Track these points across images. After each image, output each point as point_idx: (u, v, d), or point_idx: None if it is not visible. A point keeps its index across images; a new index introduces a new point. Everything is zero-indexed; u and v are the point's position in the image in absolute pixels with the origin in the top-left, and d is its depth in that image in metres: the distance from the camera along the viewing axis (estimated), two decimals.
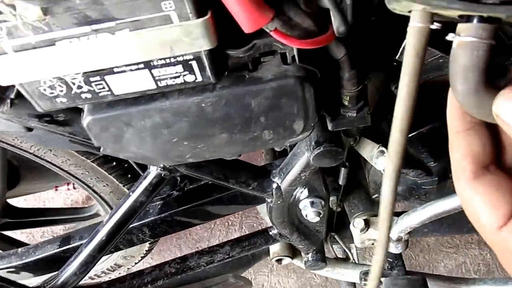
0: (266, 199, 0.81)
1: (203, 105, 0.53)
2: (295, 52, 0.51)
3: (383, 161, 0.69)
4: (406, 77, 0.36)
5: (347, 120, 0.62)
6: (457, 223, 1.03)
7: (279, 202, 0.79)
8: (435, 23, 0.35)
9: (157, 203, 0.90)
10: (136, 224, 0.89)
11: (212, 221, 1.81)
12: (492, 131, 0.36)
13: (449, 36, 0.33)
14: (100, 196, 1.07)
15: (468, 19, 0.31)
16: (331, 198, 0.92)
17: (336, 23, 0.45)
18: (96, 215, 1.33)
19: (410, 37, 0.34)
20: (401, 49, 0.69)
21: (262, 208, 1.07)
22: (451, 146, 0.37)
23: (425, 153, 0.71)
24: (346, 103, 0.61)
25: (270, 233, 0.96)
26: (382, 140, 0.75)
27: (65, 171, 0.99)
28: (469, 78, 0.31)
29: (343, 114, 0.62)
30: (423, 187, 0.75)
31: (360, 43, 0.62)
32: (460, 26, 0.31)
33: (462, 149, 0.36)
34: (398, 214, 0.77)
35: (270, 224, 0.94)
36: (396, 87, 0.73)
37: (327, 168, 0.84)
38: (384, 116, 0.76)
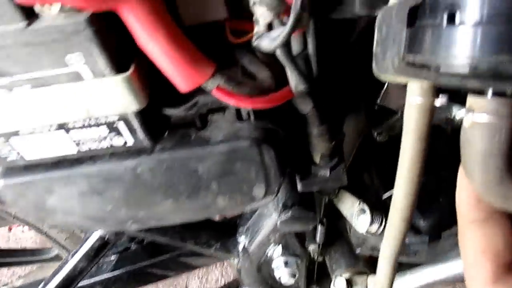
0: (232, 259, 0.71)
1: (139, 170, 0.43)
2: (250, 108, 0.42)
3: (364, 222, 0.60)
4: (406, 162, 0.31)
5: (319, 179, 0.53)
6: None
7: (247, 265, 0.69)
8: (440, 95, 0.28)
9: (112, 258, 0.79)
10: (85, 283, 0.78)
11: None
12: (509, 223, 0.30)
13: (460, 112, 0.31)
14: (56, 241, 0.97)
15: (484, 92, 0.24)
16: (311, 247, 0.82)
17: (293, 80, 0.36)
18: (58, 257, 1.22)
19: (408, 115, 0.29)
20: (382, 92, 0.60)
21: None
22: (462, 239, 0.30)
23: None
24: (317, 161, 0.52)
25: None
26: (364, 193, 0.66)
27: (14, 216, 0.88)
28: (491, 166, 0.26)
29: (314, 173, 0.53)
30: (412, 245, 0.66)
31: (335, 87, 0.54)
32: (473, 101, 0.25)
33: (478, 243, 0.29)
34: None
35: None
36: (379, 133, 0.64)
37: None
38: (366, 166, 0.67)
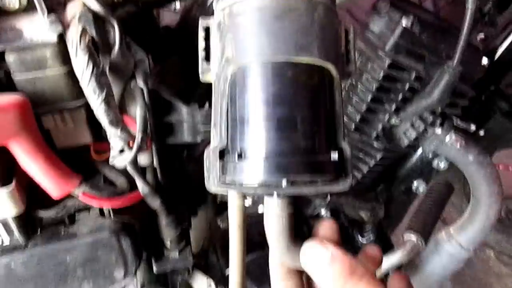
0: None
1: (12, 265, 0.52)
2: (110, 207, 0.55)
3: None
4: (235, 245, 0.42)
5: (170, 261, 0.66)
6: None
7: None
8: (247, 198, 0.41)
9: None
10: None
11: None
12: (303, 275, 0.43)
13: (261, 210, 0.39)
14: None
15: (271, 194, 0.37)
16: None
17: (140, 186, 0.51)
18: None
19: (231, 213, 0.40)
20: None
21: None
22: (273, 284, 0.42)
23: (248, 281, 0.78)
24: (168, 245, 0.65)
25: None
26: (213, 271, 0.80)
27: None
28: (281, 240, 0.38)
29: (166, 256, 0.66)
30: None
31: (182, 189, 0.70)
32: (267, 201, 0.38)
33: None
34: None
35: None
36: (222, 221, 0.81)
37: None
38: (213, 248, 0.82)
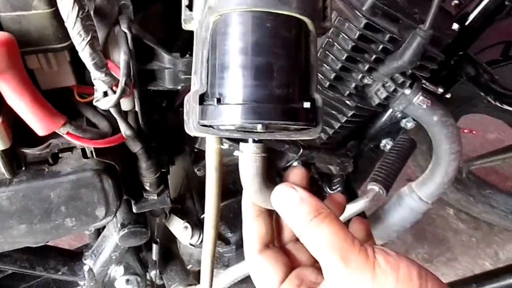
0: (79, 282, 0.81)
1: None
2: (92, 148, 0.58)
3: (187, 236, 0.78)
4: (211, 187, 0.45)
5: (149, 202, 0.70)
6: None
7: (92, 284, 0.80)
8: (224, 143, 0.44)
9: None
10: None
11: None
12: (272, 216, 0.47)
13: (236, 152, 0.42)
14: None
15: (247, 140, 0.41)
16: (152, 272, 0.96)
17: (123, 128, 0.54)
18: None
19: (208, 156, 0.43)
20: (200, 139, 0.81)
21: None
22: (245, 228, 0.46)
23: (223, 226, 0.83)
24: (147, 188, 0.69)
25: None
26: (188, 215, 0.84)
27: None
28: (255, 181, 0.42)
29: (145, 198, 0.70)
30: (225, 255, 0.86)
31: (162, 135, 0.72)
32: (242, 145, 0.42)
33: (252, 231, 0.45)
34: None
35: None
36: (198, 169, 0.84)
37: (145, 245, 0.90)
38: (190, 194, 0.86)
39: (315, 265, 0.45)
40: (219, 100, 0.36)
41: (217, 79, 0.37)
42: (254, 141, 0.41)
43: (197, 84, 0.38)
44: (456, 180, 1.54)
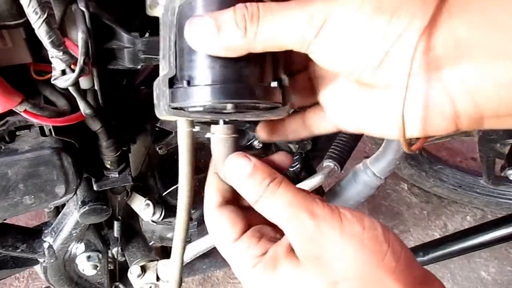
0: (39, 259, 0.81)
1: None
2: (51, 126, 0.58)
3: (149, 213, 0.80)
4: (184, 168, 0.45)
5: (110, 180, 0.70)
6: None
7: (52, 260, 0.80)
8: (195, 126, 0.45)
9: None
10: None
11: None
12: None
13: (208, 134, 0.43)
14: None
15: (217, 122, 0.42)
16: (114, 249, 0.97)
17: (82, 107, 0.54)
18: None
19: (180, 139, 0.44)
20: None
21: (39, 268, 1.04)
22: (207, 183, 0.46)
23: None
24: (108, 166, 0.69)
25: None
26: (150, 193, 0.85)
27: None
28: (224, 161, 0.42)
29: (106, 176, 0.70)
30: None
31: (122, 114, 0.72)
32: (213, 127, 0.42)
33: (214, 185, 0.45)
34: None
35: None
36: (160, 148, 0.85)
37: (107, 222, 0.90)
38: (151, 172, 0.87)
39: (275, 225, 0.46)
40: (188, 83, 0.37)
41: (185, 62, 0.38)
42: (224, 122, 0.42)
43: (165, 68, 0.39)
44: (409, 157, 1.62)
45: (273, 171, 0.40)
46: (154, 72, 0.78)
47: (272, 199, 0.38)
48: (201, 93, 0.37)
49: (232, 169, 0.41)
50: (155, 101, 0.41)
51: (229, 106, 0.37)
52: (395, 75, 0.35)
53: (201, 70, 0.37)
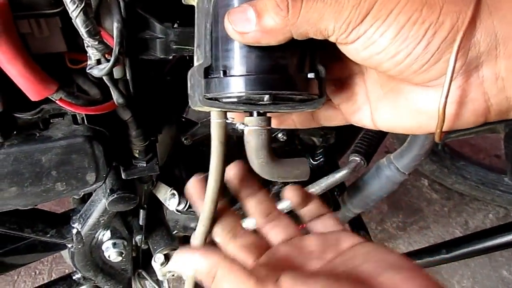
0: (67, 244, 0.83)
1: None
2: (83, 115, 0.59)
3: (174, 203, 0.81)
4: (215, 159, 0.43)
5: (138, 169, 0.71)
6: None
7: (80, 246, 0.82)
8: (229, 117, 0.43)
9: None
10: None
11: (16, 272, 1.65)
12: None
13: (241, 126, 0.42)
14: None
15: (251, 113, 0.41)
16: (138, 237, 0.99)
17: (115, 96, 0.54)
18: None
19: (213, 130, 0.42)
20: (187, 108, 0.82)
21: (66, 254, 1.06)
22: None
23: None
24: (136, 155, 0.70)
25: (74, 277, 0.97)
26: (175, 183, 0.86)
27: None
28: (260, 155, 0.42)
29: (134, 165, 0.71)
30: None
31: (151, 104, 0.73)
32: (247, 119, 0.42)
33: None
34: None
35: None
36: (185, 139, 0.86)
37: (132, 210, 0.92)
38: (176, 162, 0.88)
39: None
40: (224, 73, 0.37)
41: (221, 52, 0.37)
42: (258, 114, 0.41)
43: (201, 58, 0.39)
44: (431, 152, 1.60)
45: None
46: (179, 62, 0.79)
47: None
48: (238, 83, 0.36)
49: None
50: (189, 91, 0.41)
51: (266, 97, 0.36)
52: (436, 72, 0.35)
53: (238, 60, 0.37)
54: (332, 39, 0.35)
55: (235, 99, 0.38)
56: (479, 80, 0.35)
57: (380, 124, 0.43)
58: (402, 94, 0.39)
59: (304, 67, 0.38)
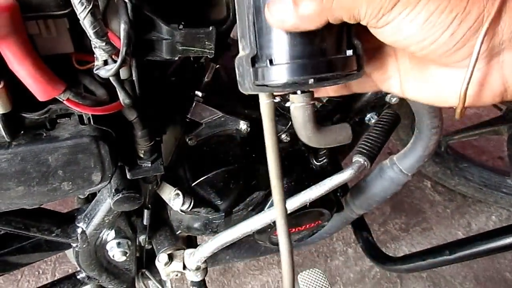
0: (72, 244, 0.84)
1: None
2: (90, 115, 0.59)
3: (178, 202, 0.81)
4: (269, 135, 0.47)
5: (143, 169, 0.72)
6: (252, 248, 1.22)
7: (85, 246, 0.83)
8: (276, 97, 0.48)
9: None
10: None
11: (19, 271, 1.66)
12: None
13: (288, 103, 0.46)
14: None
15: (295, 92, 0.45)
16: (141, 237, 0.99)
17: (121, 96, 0.55)
18: None
19: (263, 110, 0.46)
20: (191, 109, 0.83)
21: (70, 253, 1.07)
22: None
23: (212, 194, 0.86)
24: (141, 155, 0.71)
25: (78, 277, 0.97)
26: (180, 183, 0.87)
27: None
28: (308, 127, 0.46)
29: (139, 165, 0.72)
30: (214, 221, 0.89)
31: (156, 104, 0.74)
32: (292, 96, 0.45)
33: None
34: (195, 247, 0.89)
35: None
36: (190, 139, 0.86)
37: (136, 210, 0.92)
38: (180, 163, 0.88)
39: None
40: (271, 61, 0.40)
41: (265, 41, 0.40)
42: (302, 92, 0.45)
43: (246, 48, 0.42)
44: (434, 154, 1.60)
45: None
46: (183, 64, 0.79)
47: None
48: (283, 71, 0.40)
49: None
50: (238, 79, 0.44)
51: (311, 81, 0.40)
52: (459, 57, 0.37)
53: (281, 48, 0.40)
54: (363, 22, 0.37)
55: (282, 82, 0.42)
56: (499, 64, 0.37)
57: (408, 93, 0.46)
58: (427, 70, 0.43)
59: (342, 46, 0.41)
